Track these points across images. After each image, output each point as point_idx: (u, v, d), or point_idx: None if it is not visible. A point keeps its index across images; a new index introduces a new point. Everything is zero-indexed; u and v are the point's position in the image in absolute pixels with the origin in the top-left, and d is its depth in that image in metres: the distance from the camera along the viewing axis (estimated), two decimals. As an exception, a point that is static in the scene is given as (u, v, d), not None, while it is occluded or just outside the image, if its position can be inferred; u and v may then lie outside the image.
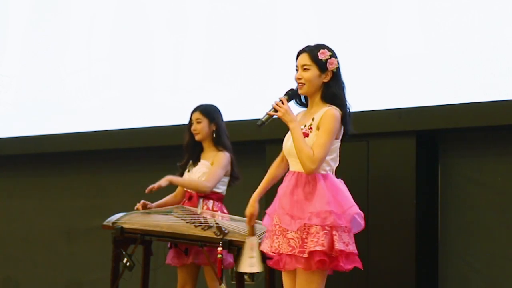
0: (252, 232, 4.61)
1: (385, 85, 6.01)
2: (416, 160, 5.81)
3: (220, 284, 5.08)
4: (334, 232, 4.18)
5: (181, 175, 5.72)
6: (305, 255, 4.17)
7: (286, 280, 4.38)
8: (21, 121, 8.09)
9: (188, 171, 5.68)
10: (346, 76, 4.42)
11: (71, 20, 7.91)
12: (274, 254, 4.30)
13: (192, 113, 5.71)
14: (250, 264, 4.51)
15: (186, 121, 5.79)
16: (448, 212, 5.89)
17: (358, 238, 5.82)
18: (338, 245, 4.17)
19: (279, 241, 4.26)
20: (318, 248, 4.14)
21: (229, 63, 6.86)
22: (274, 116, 4.31)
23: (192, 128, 5.67)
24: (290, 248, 4.20)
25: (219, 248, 5.03)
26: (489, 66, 5.63)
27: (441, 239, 5.90)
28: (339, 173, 4.61)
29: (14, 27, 8.30)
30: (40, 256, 8.02)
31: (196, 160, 5.66)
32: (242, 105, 6.65)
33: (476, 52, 5.68)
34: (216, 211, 5.53)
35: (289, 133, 4.38)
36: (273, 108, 4.30)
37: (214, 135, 5.65)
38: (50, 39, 7.98)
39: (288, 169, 4.42)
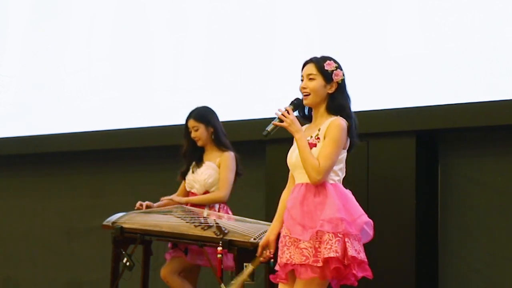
0: (258, 262, 4.55)
1: (385, 85, 6.01)
2: (416, 160, 5.81)
3: (220, 284, 5.08)
4: (346, 240, 4.15)
5: (184, 175, 5.73)
6: (320, 264, 4.13)
7: None
8: (21, 121, 8.09)
9: (192, 172, 5.68)
10: (346, 76, 4.41)
11: (71, 20, 7.91)
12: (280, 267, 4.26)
13: (186, 121, 5.71)
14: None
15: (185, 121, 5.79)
16: (448, 212, 5.89)
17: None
18: (351, 252, 4.14)
19: (290, 252, 4.20)
20: (332, 255, 4.10)
21: (229, 63, 6.86)
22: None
23: (192, 136, 5.68)
24: (304, 258, 4.15)
25: (219, 248, 5.02)
26: (489, 66, 5.63)
27: (441, 239, 5.90)
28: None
29: (14, 27, 8.30)
30: (40, 256, 8.02)
31: (199, 161, 5.67)
32: (242, 105, 6.65)
33: (476, 52, 5.68)
34: (222, 210, 5.57)
35: (293, 146, 4.36)
36: (279, 118, 4.28)
37: (213, 137, 5.66)
38: (50, 39, 7.98)
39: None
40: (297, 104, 4.35)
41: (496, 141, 5.75)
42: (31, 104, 8.03)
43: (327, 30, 6.30)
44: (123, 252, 5.53)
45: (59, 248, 7.88)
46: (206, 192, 5.62)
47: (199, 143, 5.68)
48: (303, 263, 4.15)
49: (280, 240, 4.28)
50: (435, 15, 5.86)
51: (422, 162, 5.85)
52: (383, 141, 5.93)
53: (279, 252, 4.27)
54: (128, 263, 5.49)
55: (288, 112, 4.26)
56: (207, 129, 5.66)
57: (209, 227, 5.19)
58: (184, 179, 5.74)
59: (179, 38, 7.24)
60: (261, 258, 4.46)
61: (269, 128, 4.30)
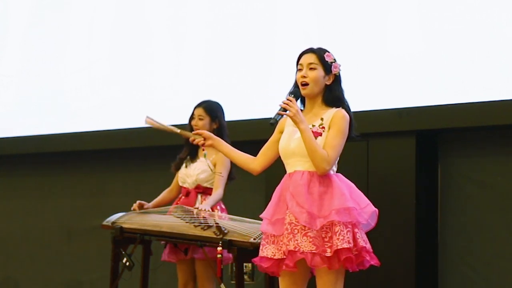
0: (185, 134, 4.82)
1: (385, 85, 6.01)
2: (416, 160, 5.81)
3: (220, 284, 5.08)
4: (356, 230, 4.18)
5: (178, 166, 5.72)
6: (328, 254, 4.13)
7: (284, 281, 4.30)
8: (21, 121, 8.09)
9: (186, 166, 5.68)
10: (346, 76, 4.42)
11: (71, 20, 7.91)
12: (284, 257, 4.19)
13: (195, 108, 5.71)
14: None
15: (186, 121, 5.78)
16: (448, 212, 5.89)
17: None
18: (361, 243, 4.17)
19: (297, 240, 4.15)
20: (345, 245, 4.11)
21: (229, 64, 6.86)
22: (284, 116, 4.25)
23: (193, 123, 5.67)
24: (315, 247, 4.13)
25: (219, 248, 5.02)
26: (489, 66, 5.63)
27: (441, 239, 5.90)
28: (338, 172, 4.56)
29: (14, 27, 8.30)
30: (40, 256, 8.02)
31: (194, 157, 5.67)
32: (242, 105, 6.65)
33: (476, 52, 5.68)
34: (216, 206, 5.55)
35: (288, 134, 4.35)
36: (282, 107, 4.24)
37: (215, 134, 5.66)
38: (50, 39, 7.98)
39: None
40: (297, 94, 4.33)
41: (496, 141, 5.76)
42: (31, 104, 8.03)
43: (327, 30, 6.30)
44: (123, 252, 5.53)
45: (59, 248, 7.88)
46: (199, 186, 5.61)
47: None
48: (314, 251, 4.14)
49: (285, 227, 4.22)
50: (435, 15, 5.86)
51: (422, 162, 5.85)
52: (383, 141, 5.93)
53: (284, 239, 4.19)
54: (127, 263, 5.49)
55: (291, 101, 4.23)
56: (211, 123, 5.67)
57: (209, 227, 5.19)
58: (178, 170, 5.74)
59: (179, 38, 7.24)
60: (192, 137, 4.67)
61: (276, 117, 4.24)
